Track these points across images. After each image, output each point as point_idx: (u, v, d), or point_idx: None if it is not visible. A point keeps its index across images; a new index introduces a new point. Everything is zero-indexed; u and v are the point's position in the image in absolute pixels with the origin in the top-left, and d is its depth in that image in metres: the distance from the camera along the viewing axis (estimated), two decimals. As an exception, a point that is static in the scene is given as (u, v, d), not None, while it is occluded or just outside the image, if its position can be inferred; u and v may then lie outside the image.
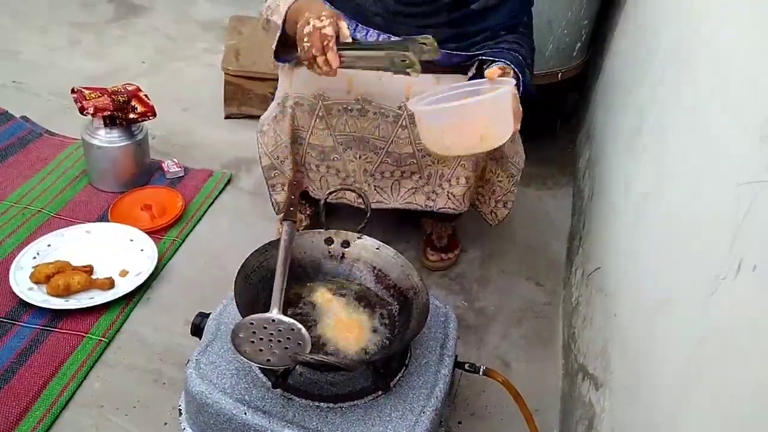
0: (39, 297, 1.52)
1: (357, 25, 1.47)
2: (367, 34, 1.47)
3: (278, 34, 1.36)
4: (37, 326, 1.47)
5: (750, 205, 0.72)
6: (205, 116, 2.39)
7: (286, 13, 1.33)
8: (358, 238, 1.28)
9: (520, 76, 1.36)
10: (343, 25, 1.22)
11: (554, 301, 1.77)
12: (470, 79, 1.46)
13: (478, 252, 1.90)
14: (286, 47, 1.40)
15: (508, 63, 1.37)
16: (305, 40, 1.21)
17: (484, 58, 1.44)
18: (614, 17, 2.22)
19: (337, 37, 1.21)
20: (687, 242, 0.92)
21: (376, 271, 1.27)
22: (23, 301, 1.50)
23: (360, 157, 1.57)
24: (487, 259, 1.89)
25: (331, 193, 1.39)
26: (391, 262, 1.25)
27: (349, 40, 1.23)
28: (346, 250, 1.29)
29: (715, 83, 0.99)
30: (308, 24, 1.21)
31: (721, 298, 0.75)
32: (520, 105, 1.27)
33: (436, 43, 1.20)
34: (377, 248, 1.27)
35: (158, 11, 3.23)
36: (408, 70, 1.19)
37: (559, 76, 2.15)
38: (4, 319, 1.48)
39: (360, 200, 1.64)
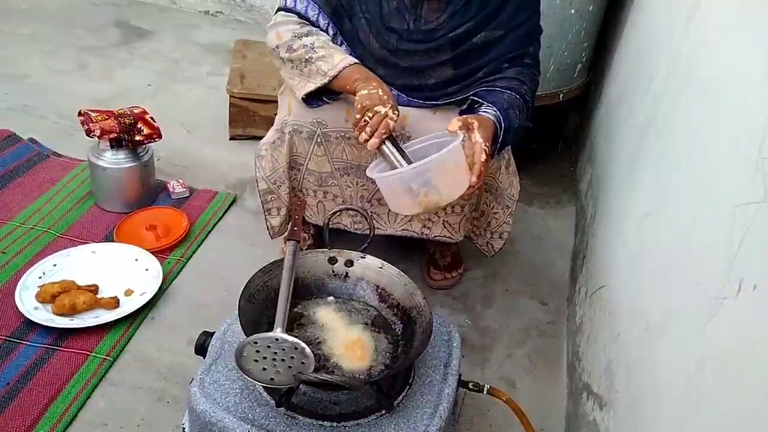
0: (44, 316, 1.52)
1: None
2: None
3: (321, 83, 1.39)
4: (42, 345, 1.48)
5: (748, 226, 0.72)
6: (210, 137, 2.42)
7: (341, 70, 1.37)
8: (362, 257, 1.29)
9: (500, 123, 1.36)
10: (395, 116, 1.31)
11: (558, 320, 1.77)
12: (461, 114, 1.45)
13: (481, 271, 1.91)
14: (316, 93, 1.43)
15: (493, 107, 1.38)
16: (368, 114, 1.30)
17: (474, 98, 1.44)
18: (614, 40, 2.26)
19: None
20: (687, 263, 0.93)
21: (379, 290, 1.27)
22: (29, 320, 1.51)
23: (357, 184, 1.58)
24: (490, 278, 1.89)
25: (334, 213, 1.40)
26: (394, 281, 1.26)
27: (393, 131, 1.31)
28: (350, 269, 1.29)
29: (711, 108, 1.01)
30: (383, 105, 1.29)
31: (722, 319, 0.75)
32: (484, 154, 1.27)
33: None
34: (381, 267, 1.28)
35: (164, 35, 3.28)
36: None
37: (561, 96, 2.17)
38: (10, 338, 1.49)
39: (357, 225, 1.66)
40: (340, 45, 1.47)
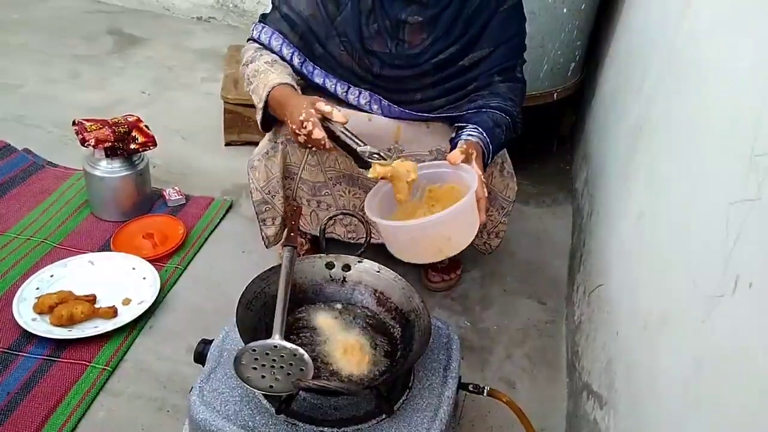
0: (42, 327, 1.52)
1: (349, 87, 1.47)
2: (360, 95, 1.47)
3: (260, 116, 1.43)
4: (40, 356, 1.48)
5: (742, 223, 0.72)
6: (205, 144, 2.41)
7: (267, 99, 1.38)
8: (359, 261, 1.29)
9: (488, 146, 1.35)
10: (321, 106, 1.27)
11: (557, 319, 1.77)
12: (452, 140, 1.42)
13: (479, 272, 1.91)
14: (270, 116, 1.44)
15: (479, 130, 1.35)
16: (302, 145, 1.32)
17: (459, 124, 1.42)
18: (607, 38, 2.26)
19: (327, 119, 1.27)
20: (683, 261, 0.93)
21: (377, 294, 1.27)
22: (27, 331, 1.51)
23: (349, 193, 1.59)
24: (488, 279, 1.89)
25: (331, 218, 1.39)
26: (392, 284, 1.26)
27: (339, 119, 1.27)
28: (347, 273, 1.29)
29: (703, 106, 1.01)
30: (297, 135, 1.29)
31: (718, 316, 0.75)
32: (484, 187, 1.24)
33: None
34: (378, 271, 1.28)
35: (157, 42, 3.28)
36: (367, 172, 1.25)
37: (555, 95, 2.17)
38: (8, 350, 1.49)
39: (350, 235, 1.66)
40: (312, 70, 1.47)
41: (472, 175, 1.23)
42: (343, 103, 1.47)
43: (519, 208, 2.14)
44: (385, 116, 1.47)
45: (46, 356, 1.48)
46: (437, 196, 1.28)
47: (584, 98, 2.46)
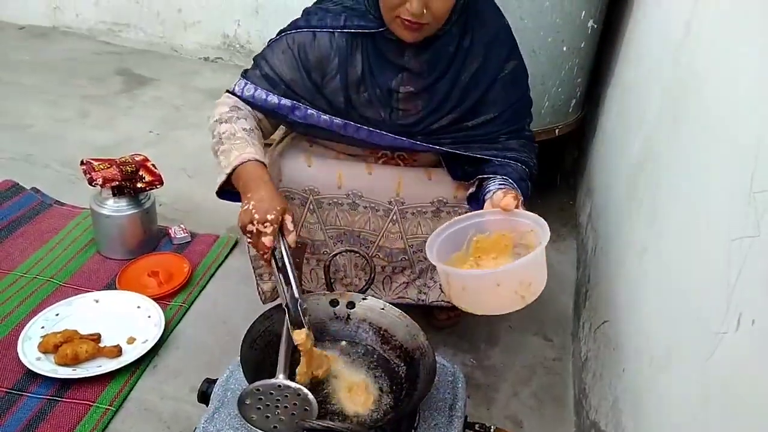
0: (47, 367, 1.52)
1: (346, 123, 1.38)
2: (358, 129, 1.38)
3: (221, 182, 1.31)
4: (44, 396, 1.47)
5: (743, 260, 0.73)
6: (211, 182, 2.40)
7: (234, 168, 1.27)
8: (363, 299, 1.29)
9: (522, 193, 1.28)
10: (288, 221, 1.17)
11: (564, 356, 1.76)
12: (469, 196, 1.40)
13: (484, 308, 1.90)
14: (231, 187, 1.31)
15: (510, 180, 1.29)
16: (248, 234, 1.17)
17: (483, 177, 1.35)
18: (607, 74, 2.29)
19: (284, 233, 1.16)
20: (687, 298, 0.93)
21: (381, 332, 1.27)
22: (30, 371, 1.50)
23: (349, 252, 1.51)
24: (493, 315, 1.87)
25: (336, 255, 1.37)
26: (396, 322, 1.26)
27: (291, 242, 1.16)
28: (352, 311, 1.29)
29: (703, 142, 1.02)
30: (252, 222, 1.15)
31: (723, 354, 0.75)
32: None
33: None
34: (382, 308, 1.28)
35: (165, 82, 3.34)
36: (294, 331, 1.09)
37: (557, 132, 2.19)
38: (12, 390, 1.48)
39: (350, 289, 1.63)
40: (305, 111, 1.37)
41: (532, 218, 1.16)
42: (340, 136, 1.40)
43: (523, 244, 2.14)
44: (387, 145, 1.41)
45: (50, 396, 1.47)
46: (485, 246, 1.20)
47: (586, 133, 2.48)
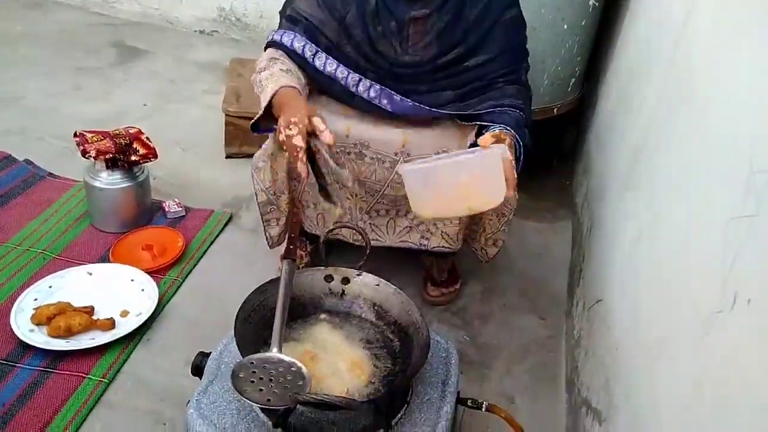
0: (40, 338, 1.51)
1: (360, 79, 1.47)
2: (370, 87, 1.48)
3: (259, 114, 1.35)
4: (37, 368, 1.47)
5: (741, 240, 0.72)
6: (206, 156, 2.42)
7: (271, 99, 1.32)
8: (358, 274, 1.28)
9: (519, 141, 1.34)
10: (317, 122, 1.20)
11: (557, 334, 1.76)
12: (470, 145, 1.46)
13: (479, 286, 1.90)
14: (266, 121, 1.38)
15: (507, 128, 1.35)
16: (283, 147, 1.23)
17: (482, 123, 1.44)
18: (607, 53, 2.27)
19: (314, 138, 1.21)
20: (682, 277, 0.93)
21: (376, 308, 1.27)
22: (24, 342, 1.50)
23: (355, 196, 1.58)
24: (488, 293, 1.89)
25: (330, 231, 1.40)
26: (391, 298, 1.26)
27: (328, 139, 1.20)
28: (346, 287, 1.29)
29: (701, 124, 1.01)
30: (280, 132, 1.21)
31: (718, 333, 0.75)
32: (515, 171, 1.19)
33: None
34: (377, 285, 1.28)
35: (159, 55, 3.30)
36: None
37: (555, 111, 2.18)
38: (5, 361, 1.48)
39: (356, 237, 1.65)
40: (324, 60, 1.46)
41: (502, 147, 1.17)
42: (352, 95, 1.49)
43: (519, 223, 2.14)
44: (394, 111, 1.47)
45: (43, 367, 1.47)
46: None
47: (585, 113, 2.46)
